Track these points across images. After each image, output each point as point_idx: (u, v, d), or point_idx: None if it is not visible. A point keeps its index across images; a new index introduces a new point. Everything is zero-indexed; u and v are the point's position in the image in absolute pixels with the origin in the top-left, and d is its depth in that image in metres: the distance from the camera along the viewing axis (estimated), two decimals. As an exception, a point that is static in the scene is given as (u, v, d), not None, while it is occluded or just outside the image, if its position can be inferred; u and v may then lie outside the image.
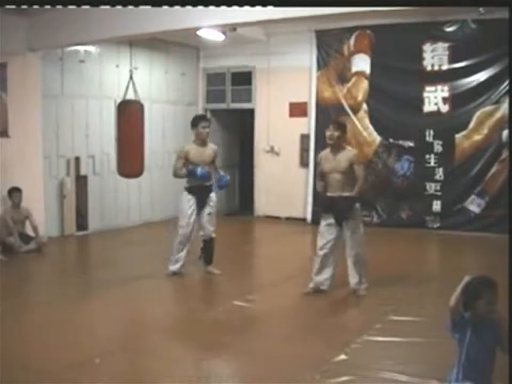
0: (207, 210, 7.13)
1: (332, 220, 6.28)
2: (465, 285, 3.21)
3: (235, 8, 6.42)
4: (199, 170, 6.92)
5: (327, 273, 6.38)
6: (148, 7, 6.80)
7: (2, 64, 8.71)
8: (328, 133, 6.28)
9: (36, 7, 7.33)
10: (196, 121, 7.20)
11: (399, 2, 5.82)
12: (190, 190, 7.07)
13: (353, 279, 6.40)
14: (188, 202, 7.05)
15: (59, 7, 6.95)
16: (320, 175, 6.47)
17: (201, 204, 7.07)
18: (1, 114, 8.81)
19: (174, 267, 7.14)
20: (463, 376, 3.25)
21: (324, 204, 6.54)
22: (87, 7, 7.05)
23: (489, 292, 3.17)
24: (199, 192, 7.06)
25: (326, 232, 6.32)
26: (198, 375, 4.50)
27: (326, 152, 6.40)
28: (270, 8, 6.20)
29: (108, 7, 6.96)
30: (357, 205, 6.31)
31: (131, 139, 8.60)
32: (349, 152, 6.34)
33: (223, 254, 7.67)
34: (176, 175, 7.14)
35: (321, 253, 6.33)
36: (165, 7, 6.70)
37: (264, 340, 5.11)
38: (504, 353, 3.23)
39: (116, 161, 8.88)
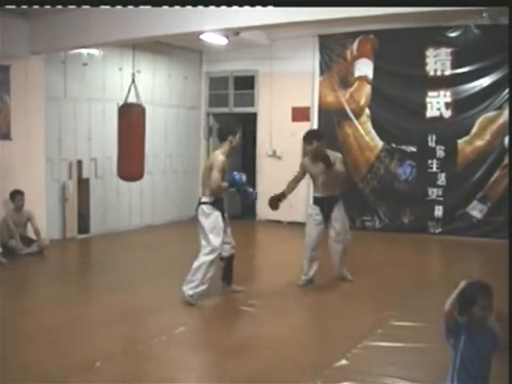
0: (226, 222, 6.44)
1: (320, 218, 6.90)
2: (461, 290, 3.20)
3: (238, 12, 6.43)
4: (237, 177, 6.36)
5: (315, 267, 7.00)
6: (149, 7, 6.83)
7: (6, 67, 8.72)
8: (309, 147, 6.90)
9: (37, 8, 7.33)
10: (234, 129, 6.56)
11: (399, 2, 5.80)
12: (215, 204, 6.27)
13: (340, 269, 7.13)
14: (218, 218, 6.23)
15: (59, 7, 6.97)
16: (299, 178, 7.14)
17: (222, 216, 6.34)
18: (4, 117, 8.82)
19: (197, 290, 6.19)
20: (458, 382, 3.23)
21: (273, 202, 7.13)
22: (87, 7, 7.07)
23: (484, 297, 3.15)
24: (222, 204, 6.38)
25: (314, 230, 6.90)
26: (198, 377, 4.50)
27: (308, 160, 7.01)
28: (273, 12, 6.21)
29: (108, 7, 6.98)
30: (340, 201, 6.99)
31: (132, 142, 8.62)
32: (335, 154, 6.95)
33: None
34: (219, 190, 6.26)
35: (311, 250, 6.93)
36: (168, 11, 6.72)
37: (265, 344, 5.10)
38: (501, 354, 3.21)
39: (116, 164, 8.91)
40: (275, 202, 7.11)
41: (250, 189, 6.72)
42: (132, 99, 8.89)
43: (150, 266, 8.01)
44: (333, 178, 6.85)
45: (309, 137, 6.97)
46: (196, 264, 6.17)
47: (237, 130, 6.57)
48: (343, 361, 4.56)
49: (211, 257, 6.17)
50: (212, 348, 5.12)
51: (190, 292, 6.15)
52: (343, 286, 7.03)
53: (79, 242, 9.91)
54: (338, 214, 6.93)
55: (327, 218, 6.93)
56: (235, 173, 6.42)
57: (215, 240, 6.17)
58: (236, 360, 4.78)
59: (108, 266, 8.15)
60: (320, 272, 7.08)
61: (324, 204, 6.90)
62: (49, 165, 9.54)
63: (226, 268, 6.58)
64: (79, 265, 8.99)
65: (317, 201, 7.01)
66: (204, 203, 6.27)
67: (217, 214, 6.24)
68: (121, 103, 9.11)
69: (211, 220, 6.21)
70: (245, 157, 13.19)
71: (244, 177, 6.44)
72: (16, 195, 8.62)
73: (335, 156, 6.90)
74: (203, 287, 6.19)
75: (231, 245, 6.53)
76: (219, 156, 6.28)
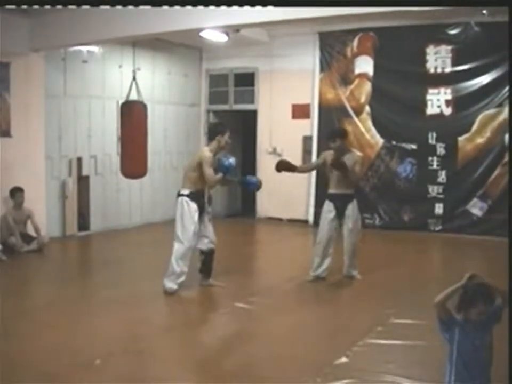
0: (207, 216, 6.63)
1: (333, 215, 6.94)
2: (464, 288, 3.18)
3: (238, 9, 6.40)
4: (226, 162, 6.36)
5: (326, 264, 7.04)
6: (150, 7, 6.80)
7: (5, 64, 8.71)
8: (333, 145, 6.97)
9: (37, 7, 7.33)
10: (223, 129, 6.55)
11: (399, 2, 5.80)
12: (192, 196, 6.41)
13: (350, 268, 7.14)
14: (192, 210, 6.36)
15: (60, 7, 6.95)
16: (316, 166, 7.41)
17: (201, 210, 6.48)
18: (3, 114, 8.81)
19: (175, 283, 6.42)
20: (456, 377, 3.22)
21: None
22: (87, 7, 7.06)
23: (483, 303, 3.13)
24: (202, 197, 6.51)
25: (326, 227, 6.97)
26: (199, 377, 4.50)
27: (331, 155, 6.97)
28: (273, 9, 6.19)
29: (108, 7, 6.96)
30: (355, 200, 7.04)
31: (135, 140, 8.61)
32: (355, 154, 7.02)
33: (224, 255, 7.65)
34: (216, 183, 6.50)
35: (323, 247, 6.98)
36: (168, 8, 6.69)
37: (265, 342, 5.10)
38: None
39: (119, 162, 8.90)
40: (283, 165, 7.16)
41: (253, 178, 6.93)
42: (133, 96, 8.88)
43: (150, 264, 8.00)
44: (348, 177, 6.88)
45: (333, 135, 7.11)
46: (171, 257, 6.42)
47: (225, 130, 6.56)
48: (343, 359, 4.57)
49: (180, 249, 6.37)
50: (211, 345, 5.12)
51: (169, 284, 6.38)
52: (343, 284, 7.04)
53: (79, 240, 9.91)
54: (352, 213, 6.97)
55: (341, 215, 6.96)
56: (222, 157, 6.42)
57: (183, 232, 6.35)
58: (235, 358, 4.79)
59: (108, 263, 8.15)
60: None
61: (337, 201, 6.95)
62: (49, 162, 9.53)
63: (204, 261, 6.70)
64: (79, 262, 9.00)
65: (330, 197, 7.05)
66: (181, 195, 6.45)
67: (191, 206, 6.36)
68: (121, 100, 9.10)
69: (182, 211, 6.38)
70: (245, 154, 13.18)
71: (232, 160, 6.42)
72: (16, 192, 8.62)
73: (354, 155, 6.98)
74: (181, 279, 6.41)
75: (210, 239, 6.62)
76: (206, 152, 6.40)
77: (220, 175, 6.39)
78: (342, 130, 7.80)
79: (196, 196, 6.42)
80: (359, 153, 7.22)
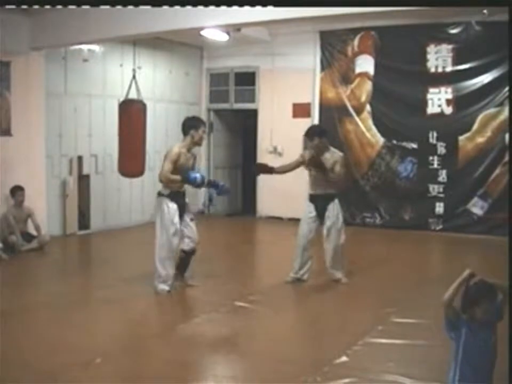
0: (189, 216, 6.48)
1: (313, 216, 6.82)
2: (467, 288, 3.18)
3: (239, 8, 6.42)
4: (196, 177, 6.19)
5: (307, 265, 6.91)
6: (149, 7, 6.81)
7: (6, 63, 8.70)
8: (310, 143, 6.91)
9: (37, 6, 7.33)
10: (197, 124, 6.44)
11: (399, 2, 5.79)
12: (172, 196, 6.25)
13: (332, 269, 6.92)
14: (172, 211, 6.23)
15: (60, 7, 6.95)
16: (296, 165, 7.03)
17: (181, 210, 6.34)
18: (4, 113, 8.80)
19: (165, 285, 6.36)
20: (460, 376, 3.21)
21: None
22: (87, 7, 7.06)
23: (488, 301, 3.13)
24: (181, 197, 6.38)
25: (305, 228, 6.85)
26: (197, 376, 4.50)
27: (310, 153, 6.88)
28: (274, 8, 6.19)
29: (108, 6, 6.97)
30: (336, 200, 6.84)
31: (132, 139, 8.60)
32: (335, 154, 6.84)
33: (225, 255, 7.66)
34: (168, 181, 6.24)
35: (302, 249, 6.86)
36: (169, 7, 6.69)
37: (265, 341, 5.10)
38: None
39: (117, 160, 8.90)
40: (260, 168, 7.27)
41: (221, 183, 6.73)
42: (133, 95, 8.87)
43: (150, 263, 7.97)
44: (327, 177, 6.71)
45: (311, 133, 6.94)
46: (155, 259, 6.33)
47: (199, 124, 6.44)
48: (343, 358, 4.56)
49: (162, 252, 6.28)
50: (210, 344, 5.11)
51: (160, 286, 6.31)
52: (344, 283, 7.01)
53: (79, 239, 9.90)
54: (332, 212, 6.78)
55: (321, 216, 6.81)
56: (192, 173, 6.23)
57: (163, 234, 6.24)
58: (234, 356, 4.78)
59: (108, 262, 8.15)
60: (320, 269, 7.08)
61: (317, 201, 6.81)
62: (49, 161, 9.53)
63: (183, 259, 6.56)
64: (79, 261, 9.00)
65: (310, 198, 6.93)
66: (160, 195, 6.33)
67: (171, 206, 6.22)
68: (121, 99, 9.10)
69: (161, 213, 6.26)
70: (246, 153, 13.19)
71: (199, 176, 6.22)
72: (17, 191, 8.62)
73: (334, 156, 6.80)
74: (170, 281, 6.34)
75: (192, 239, 6.48)
76: (174, 148, 6.31)
77: (177, 177, 6.18)
78: (320, 128, 7.55)
79: (176, 196, 6.29)
80: (339, 153, 6.94)
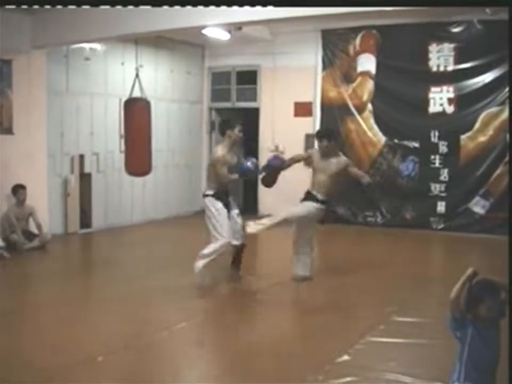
0: (235, 211, 6.77)
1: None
2: (470, 286, 3.17)
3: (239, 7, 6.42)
4: (248, 165, 6.66)
5: (309, 263, 7.00)
6: (149, 7, 6.82)
7: (8, 61, 8.71)
8: (319, 144, 6.95)
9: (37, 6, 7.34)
10: (232, 124, 6.85)
11: (400, 2, 5.79)
12: (217, 195, 6.58)
13: (300, 269, 6.97)
14: (219, 210, 6.53)
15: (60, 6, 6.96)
16: (296, 159, 7.23)
17: (228, 207, 6.66)
18: (6, 111, 8.81)
19: (202, 265, 6.56)
20: (465, 376, 3.21)
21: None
22: (87, 6, 7.06)
23: (491, 298, 3.13)
24: (226, 195, 6.69)
25: (299, 224, 6.93)
26: (199, 374, 4.50)
27: (317, 153, 6.95)
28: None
29: (108, 6, 6.97)
30: (317, 204, 6.85)
31: (139, 137, 8.59)
32: (342, 159, 6.88)
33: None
34: (229, 182, 6.67)
35: (297, 245, 6.99)
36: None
37: (267, 340, 5.10)
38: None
39: (124, 159, 8.89)
40: (270, 178, 7.26)
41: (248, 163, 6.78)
42: (136, 94, 8.87)
43: (152, 261, 8.00)
44: (332, 180, 6.83)
45: (320, 135, 7.11)
46: (205, 250, 6.50)
47: (234, 124, 6.82)
48: (345, 357, 4.56)
49: (216, 245, 6.49)
50: (213, 343, 5.12)
51: (200, 262, 6.49)
52: (345, 282, 7.02)
53: (81, 237, 9.91)
54: (314, 221, 7.03)
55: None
56: (243, 162, 6.68)
57: (217, 230, 6.49)
58: (236, 355, 4.78)
59: (110, 261, 8.15)
60: (321, 268, 7.08)
61: (308, 200, 6.94)
62: (51, 160, 9.54)
63: (236, 255, 6.92)
64: (81, 260, 9.01)
65: (305, 195, 7.06)
66: (206, 195, 6.66)
67: (218, 206, 6.54)
68: (123, 97, 9.10)
69: (212, 212, 6.55)
70: (247, 152, 13.16)
71: (250, 163, 6.66)
72: (18, 189, 8.62)
73: (340, 160, 6.85)
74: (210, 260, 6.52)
75: (240, 234, 6.75)
76: (217, 152, 6.66)
77: (234, 176, 6.61)
78: (330, 131, 7.53)
79: (221, 195, 6.60)
80: (345, 158, 6.98)
